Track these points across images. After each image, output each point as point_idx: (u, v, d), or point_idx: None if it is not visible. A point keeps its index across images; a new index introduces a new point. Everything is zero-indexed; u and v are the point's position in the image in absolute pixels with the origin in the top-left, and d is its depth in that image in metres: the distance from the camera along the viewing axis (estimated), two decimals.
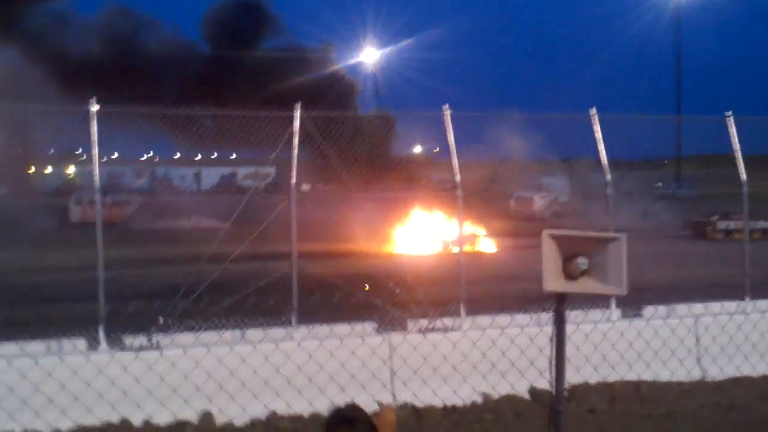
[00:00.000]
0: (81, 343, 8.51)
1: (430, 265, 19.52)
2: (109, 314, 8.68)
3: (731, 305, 10.54)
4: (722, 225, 28.67)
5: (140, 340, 8.61)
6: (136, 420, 7.77)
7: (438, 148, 23.48)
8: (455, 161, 10.12)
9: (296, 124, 9.63)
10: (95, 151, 8.97)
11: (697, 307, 10.42)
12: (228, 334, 8.94)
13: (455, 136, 10.21)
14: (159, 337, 8.67)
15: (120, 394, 7.75)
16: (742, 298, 10.73)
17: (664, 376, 9.29)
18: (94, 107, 8.81)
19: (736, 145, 11.27)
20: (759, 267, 11.82)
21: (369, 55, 61.71)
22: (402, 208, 26.44)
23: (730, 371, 9.55)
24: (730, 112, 11.24)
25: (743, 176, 11.22)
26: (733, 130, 11.21)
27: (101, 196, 9.57)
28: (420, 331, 9.13)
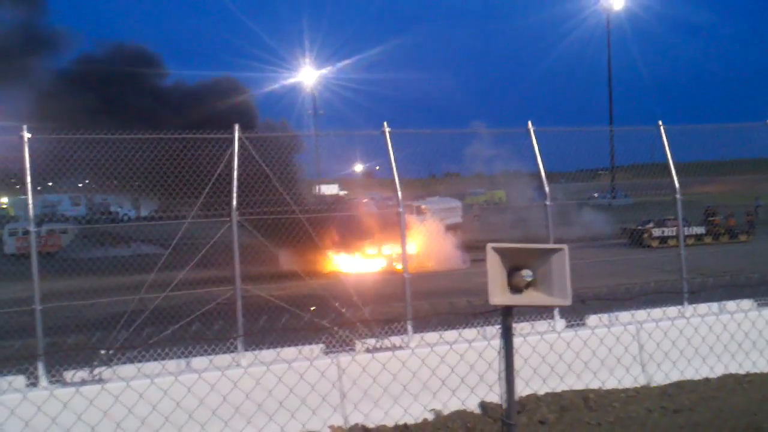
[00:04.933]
0: (19, 380, 8.22)
1: (374, 283, 19.46)
2: (48, 349, 8.41)
3: (672, 311, 10.76)
4: (657, 232, 29.30)
5: (81, 374, 8.34)
6: None
7: (378, 167, 23.56)
8: (397, 178, 10.14)
9: (236, 145, 9.53)
10: (28, 178, 8.73)
11: (640, 314, 10.60)
12: (172, 364, 8.74)
13: (395, 154, 10.26)
14: (100, 370, 8.42)
15: None
16: (681, 304, 10.98)
17: (611, 383, 9.41)
18: (26, 134, 8.59)
19: (669, 153, 11.59)
20: (695, 272, 12.13)
21: (307, 76, 61.91)
22: (344, 227, 26.29)
23: (674, 376, 9.73)
24: (660, 122, 11.58)
25: (676, 183, 11.52)
26: (665, 139, 11.52)
27: (36, 226, 9.28)
28: (368, 350, 9.08)
